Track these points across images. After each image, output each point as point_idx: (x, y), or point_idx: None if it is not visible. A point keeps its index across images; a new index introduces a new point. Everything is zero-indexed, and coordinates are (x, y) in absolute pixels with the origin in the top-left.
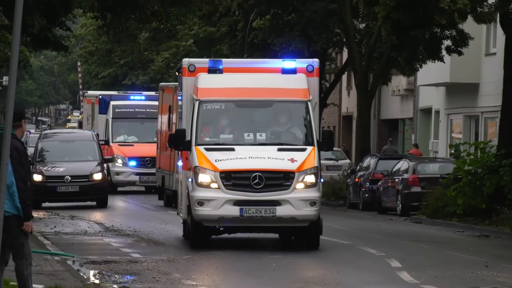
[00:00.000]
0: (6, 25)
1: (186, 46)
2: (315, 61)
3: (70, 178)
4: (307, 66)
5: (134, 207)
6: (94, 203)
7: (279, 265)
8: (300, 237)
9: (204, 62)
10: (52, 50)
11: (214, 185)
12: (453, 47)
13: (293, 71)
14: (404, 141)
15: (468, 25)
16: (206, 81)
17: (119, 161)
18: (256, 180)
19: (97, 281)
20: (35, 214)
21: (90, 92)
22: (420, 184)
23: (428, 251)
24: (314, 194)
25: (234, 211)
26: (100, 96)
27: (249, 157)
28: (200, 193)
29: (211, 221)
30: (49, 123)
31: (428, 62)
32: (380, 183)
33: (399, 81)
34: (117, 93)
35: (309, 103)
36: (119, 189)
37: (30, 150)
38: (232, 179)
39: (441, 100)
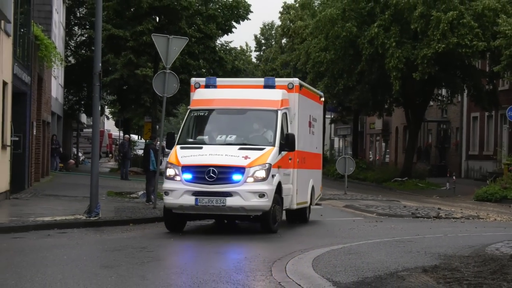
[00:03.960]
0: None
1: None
2: (295, 80)
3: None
4: (288, 84)
5: None
6: None
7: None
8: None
9: (204, 80)
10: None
11: (177, 178)
12: None
13: (273, 87)
14: None
15: None
16: (200, 94)
17: None
18: (210, 174)
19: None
20: None
21: None
22: None
23: None
24: (263, 187)
25: (191, 200)
26: None
27: (209, 154)
28: (167, 185)
29: (174, 208)
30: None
31: None
32: None
33: None
34: None
35: (279, 111)
36: None
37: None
38: (191, 172)
39: None
